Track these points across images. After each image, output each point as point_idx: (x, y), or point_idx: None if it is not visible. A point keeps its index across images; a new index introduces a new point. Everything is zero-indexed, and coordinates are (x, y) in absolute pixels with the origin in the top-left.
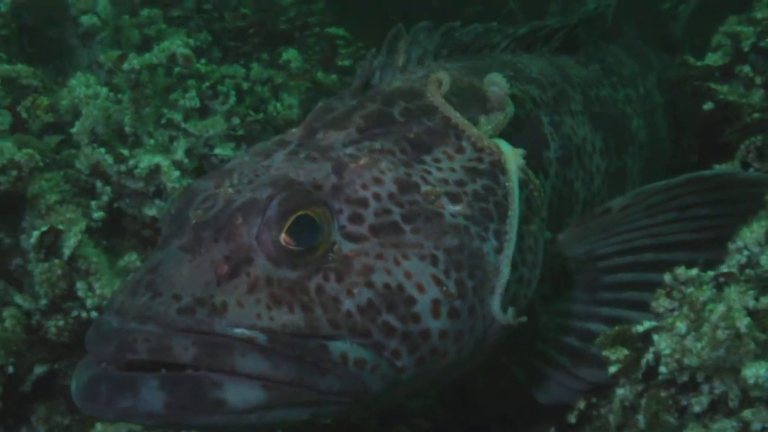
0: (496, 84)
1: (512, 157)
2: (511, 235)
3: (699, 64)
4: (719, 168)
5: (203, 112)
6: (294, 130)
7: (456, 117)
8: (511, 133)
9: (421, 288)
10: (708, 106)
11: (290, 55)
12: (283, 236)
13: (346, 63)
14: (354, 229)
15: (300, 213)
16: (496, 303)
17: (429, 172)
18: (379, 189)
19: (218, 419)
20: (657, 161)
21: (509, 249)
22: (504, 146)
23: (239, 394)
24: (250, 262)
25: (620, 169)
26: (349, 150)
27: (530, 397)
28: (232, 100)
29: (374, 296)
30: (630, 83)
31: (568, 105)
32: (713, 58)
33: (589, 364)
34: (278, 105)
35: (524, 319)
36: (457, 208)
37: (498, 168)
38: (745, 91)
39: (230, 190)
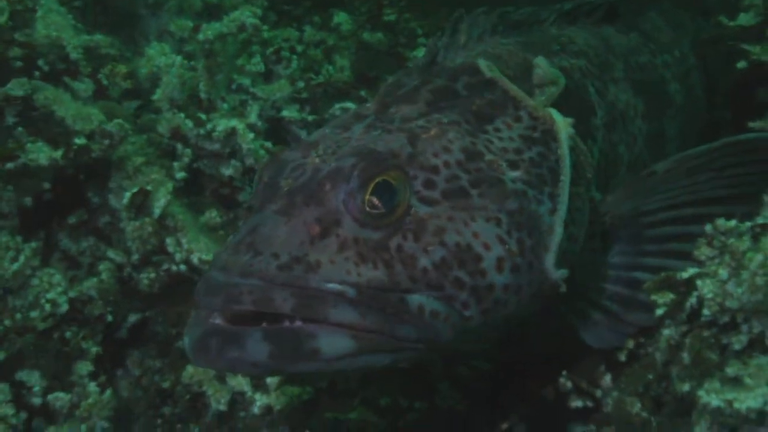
0: (540, 66)
1: (563, 126)
2: (563, 198)
3: (731, 24)
4: (754, 132)
5: (267, 75)
6: (368, 104)
7: (514, 89)
8: (562, 102)
9: (487, 247)
10: (741, 64)
11: (341, 18)
12: (366, 200)
13: (392, 18)
14: (428, 194)
15: (380, 179)
16: (550, 259)
17: (491, 141)
18: (448, 157)
19: (313, 366)
20: (692, 121)
21: (562, 210)
22: (556, 116)
23: (332, 343)
24: (338, 224)
25: (659, 130)
26: (420, 122)
27: (581, 340)
28: (294, 64)
29: (447, 254)
30: (667, 48)
31: (612, 73)
32: (745, 18)
33: (636, 309)
34: (331, 68)
35: (566, 273)
36: (516, 173)
37: (550, 136)
38: None
39: (317, 160)
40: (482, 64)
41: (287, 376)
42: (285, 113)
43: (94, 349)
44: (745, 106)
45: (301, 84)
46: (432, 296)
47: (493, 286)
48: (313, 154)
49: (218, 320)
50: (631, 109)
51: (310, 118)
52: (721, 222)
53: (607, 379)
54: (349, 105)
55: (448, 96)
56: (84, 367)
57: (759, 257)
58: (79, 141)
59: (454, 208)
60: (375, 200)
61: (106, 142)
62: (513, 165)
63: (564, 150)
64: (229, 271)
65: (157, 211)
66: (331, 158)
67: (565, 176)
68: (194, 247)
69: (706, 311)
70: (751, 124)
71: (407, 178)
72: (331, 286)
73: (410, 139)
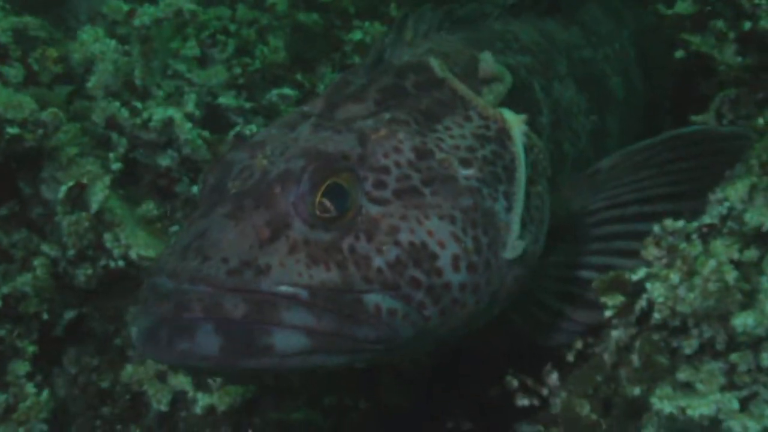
0: (486, 61)
1: (516, 123)
2: (519, 195)
3: (669, 12)
4: (696, 125)
5: (202, 60)
6: (314, 101)
7: (462, 89)
8: (509, 101)
9: (442, 245)
10: (680, 54)
11: None
12: (317, 203)
13: None
14: (379, 194)
15: (331, 181)
16: (508, 257)
17: (441, 140)
18: (398, 157)
19: (266, 362)
20: (633, 115)
21: (518, 207)
22: (507, 114)
23: (286, 340)
24: (288, 226)
25: (602, 127)
26: (369, 122)
27: (529, 339)
28: (231, 48)
29: (401, 253)
30: (607, 41)
31: (556, 69)
32: (683, 6)
33: (584, 308)
34: (265, 49)
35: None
36: (470, 171)
37: (504, 134)
38: (717, 42)
39: (264, 162)
40: (434, 63)
41: (237, 374)
42: (222, 100)
43: (31, 348)
44: (684, 98)
45: (237, 70)
46: (389, 296)
47: (450, 285)
48: (260, 155)
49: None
50: (574, 105)
51: (247, 105)
52: (668, 222)
53: (554, 378)
54: (287, 91)
55: (396, 95)
56: (21, 367)
57: (712, 263)
58: (12, 130)
59: (406, 207)
60: (326, 203)
61: (40, 131)
62: (465, 163)
63: (518, 147)
64: (178, 278)
65: (94, 206)
66: (280, 159)
67: (521, 173)
68: (132, 242)
69: (656, 315)
70: (693, 118)
71: (358, 180)
72: (283, 289)
73: (360, 140)
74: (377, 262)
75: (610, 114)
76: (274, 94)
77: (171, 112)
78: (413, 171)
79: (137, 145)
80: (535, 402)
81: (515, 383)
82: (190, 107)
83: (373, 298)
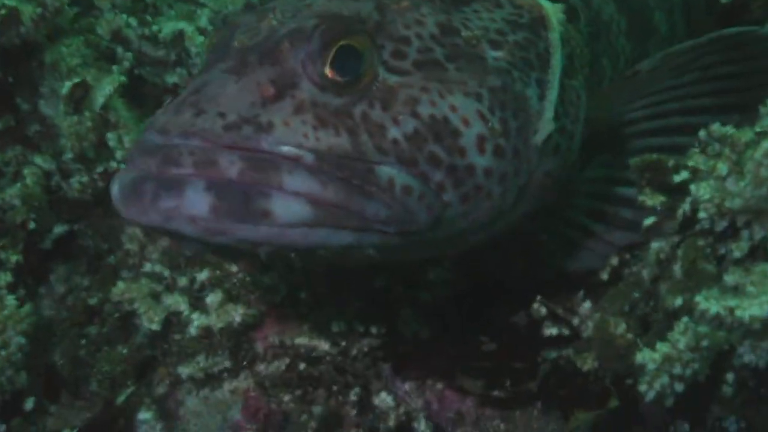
0: None
1: (553, 11)
2: (554, 82)
3: None
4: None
5: None
6: None
7: None
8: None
9: (466, 122)
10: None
11: None
12: (328, 62)
13: None
14: (397, 64)
15: (344, 42)
16: (539, 143)
17: (469, 20)
18: (420, 29)
19: (262, 231)
20: None
21: (552, 95)
22: (544, 2)
23: (287, 206)
24: (295, 86)
25: (643, 55)
26: None
27: (557, 264)
28: None
29: (420, 126)
30: None
31: None
32: None
33: (620, 228)
34: None
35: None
36: (499, 53)
37: (538, 23)
38: None
39: (274, 22)
40: None
41: (229, 245)
42: None
43: (14, 258)
44: None
45: None
46: (404, 171)
47: (473, 168)
48: (270, 17)
49: None
50: (614, 23)
51: None
52: (715, 127)
53: (586, 306)
54: None
55: None
56: (2, 278)
57: (764, 145)
58: (9, 2)
59: (427, 79)
60: (338, 64)
61: (39, 11)
62: (495, 45)
63: (554, 33)
64: (168, 132)
65: (100, 100)
66: (291, 20)
67: (556, 59)
68: None
69: (702, 214)
70: None
71: (374, 46)
72: (285, 149)
73: (378, 8)
74: (393, 132)
75: (653, 46)
76: None
77: (182, 24)
78: (436, 44)
79: (144, 62)
80: (565, 331)
81: (543, 311)
82: (203, 22)
83: (386, 171)
